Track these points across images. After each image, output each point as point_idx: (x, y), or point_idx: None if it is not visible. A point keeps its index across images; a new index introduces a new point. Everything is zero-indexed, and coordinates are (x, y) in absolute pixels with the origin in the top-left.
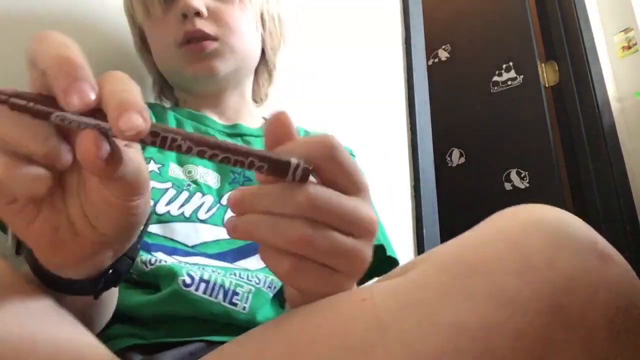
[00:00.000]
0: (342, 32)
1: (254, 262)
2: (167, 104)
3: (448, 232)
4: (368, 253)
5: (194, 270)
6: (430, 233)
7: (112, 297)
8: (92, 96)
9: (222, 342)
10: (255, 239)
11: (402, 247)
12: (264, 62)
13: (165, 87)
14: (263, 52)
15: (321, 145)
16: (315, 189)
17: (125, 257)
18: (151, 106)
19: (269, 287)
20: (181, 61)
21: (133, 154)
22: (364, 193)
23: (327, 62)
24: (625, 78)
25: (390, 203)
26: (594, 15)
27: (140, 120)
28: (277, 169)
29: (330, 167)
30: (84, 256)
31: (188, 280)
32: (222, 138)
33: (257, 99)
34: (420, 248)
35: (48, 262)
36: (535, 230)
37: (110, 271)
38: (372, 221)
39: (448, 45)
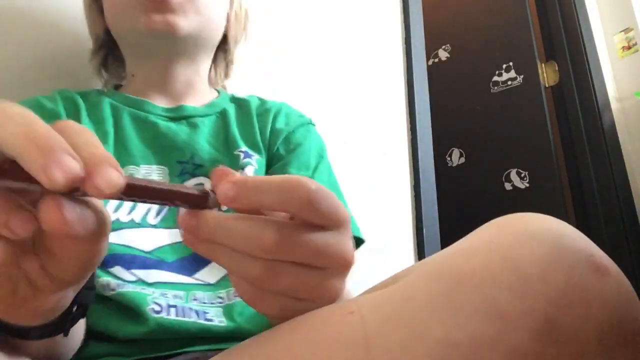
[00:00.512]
0: (342, 32)
1: (215, 271)
2: (104, 83)
3: (448, 232)
4: (338, 285)
5: (157, 298)
6: (430, 233)
7: (80, 326)
8: (78, 168)
9: (202, 352)
10: (216, 262)
11: (402, 247)
12: (223, 49)
13: (111, 57)
14: (225, 37)
15: (296, 194)
16: (282, 231)
17: (85, 290)
18: (86, 94)
19: (236, 295)
20: (138, 12)
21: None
22: (343, 225)
23: (327, 62)
24: (625, 78)
25: (390, 203)
26: (594, 15)
27: (117, 175)
28: (198, 204)
29: (306, 214)
30: (47, 307)
31: (157, 308)
32: (164, 123)
33: (212, 81)
34: (420, 248)
35: (12, 319)
36: (529, 242)
37: (75, 307)
38: (344, 256)
39: (448, 45)
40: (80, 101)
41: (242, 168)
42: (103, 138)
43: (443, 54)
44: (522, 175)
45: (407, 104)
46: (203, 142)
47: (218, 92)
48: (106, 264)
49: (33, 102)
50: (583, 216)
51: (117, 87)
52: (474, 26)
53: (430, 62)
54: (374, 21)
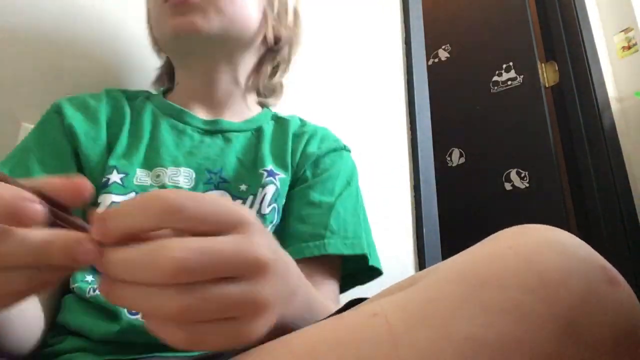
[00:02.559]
0: (342, 32)
1: None
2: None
3: (448, 232)
4: (265, 293)
5: None
6: (430, 233)
7: (33, 316)
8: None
9: (176, 356)
10: (134, 309)
11: (402, 247)
12: (269, 49)
13: (166, 70)
14: (265, 37)
15: (156, 206)
16: (180, 249)
17: None
18: (134, 97)
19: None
20: (165, 17)
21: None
22: (243, 227)
23: (327, 62)
24: (625, 78)
25: (390, 203)
26: (594, 15)
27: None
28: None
29: (177, 224)
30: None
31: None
32: (199, 136)
33: (255, 87)
34: (420, 248)
35: None
36: (548, 250)
37: None
38: (254, 258)
39: (448, 45)
40: (126, 106)
41: (263, 187)
42: (137, 142)
43: (443, 54)
44: (522, 175)
45: (407, 104)
46: (233, 157)
47: (263, 108)
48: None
49: (80, 100)
50: (583, 216)
51: (168, 90)
52: (474, 26)
53: (430, 62)
54: (374, 21)
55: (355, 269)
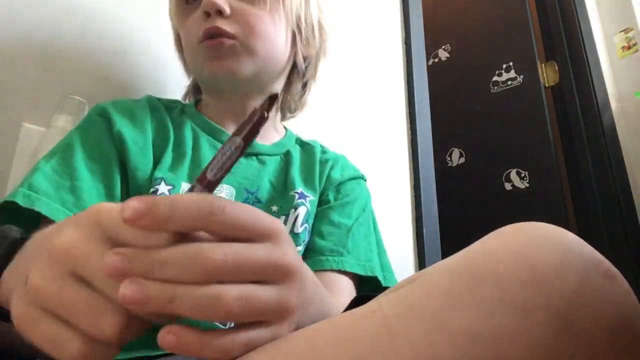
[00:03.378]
0: (342, 32)
1: None
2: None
3: (448, 232)
4: (292, 297)
5: None
6: (430, 233)
7: None
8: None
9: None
10: (172, 313)
11: (402, 247)
12: (297, 71)
13: (195, 89)
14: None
15: (196, 213)
16: (219, 251)
17: None
18: (171, 109)
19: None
20: (201, 58)
21: None
22: (272, 236)
23: (327, 62)
24: (625, 78)
25: (390, 203)
26: (594, 15)
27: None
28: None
29: (217, 229)
30: None
31: None
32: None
33: (287, 109)
34: (420, 248)
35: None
36: (543, 245)
37: None
38: (286, 264)
39: (448, 45)
40: (167, 117)
41: (295, 208)
42: (181, 158)
43: (443, 54)
44: (522, 175)
45: (407, 104)
46: (266, 179)
47: (285, 129)
48: None
49: (125, 106)
50: (583, 216)
51: (197, 102)
52: (474, 26)
53: (430, 62)
54: (374, 21)
55: (372, 290)
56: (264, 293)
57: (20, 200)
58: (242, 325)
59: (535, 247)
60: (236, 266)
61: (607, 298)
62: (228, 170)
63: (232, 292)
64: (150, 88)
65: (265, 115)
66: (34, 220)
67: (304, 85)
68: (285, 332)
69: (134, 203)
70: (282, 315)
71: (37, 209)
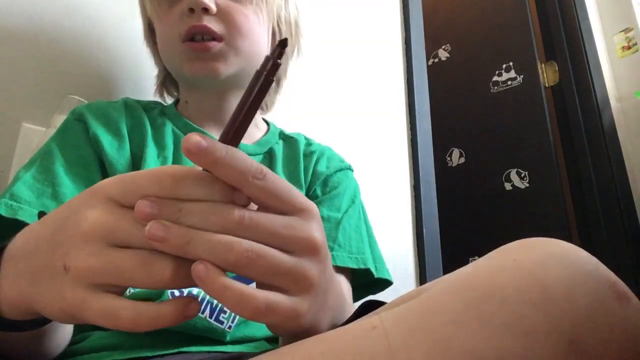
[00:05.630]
0: (341, 32)
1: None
2: (169, 100)
3: (448, 232)
4: (313, 270)
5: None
6: (430, 233)
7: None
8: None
9: (201, 352)
10: (189, 255)
11: (402, 247)
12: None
13: (168, 81)
14: None
15: (244, 168)
16: (243, 210)
17: None
18: (149, 109)
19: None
20: (183, 57)
21: None
22: (303, 213)
23: (326, 63)
24: (625, 78)
25: (390, 203)
26: (594, 15)
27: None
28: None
29: (254, 192)
30: None
31: (177, 293)
32: None
33: (263, 105)
34: (420, 248)
35: (15, 314)
36: (553, 264)
37: None
38: (308, 238)
39: (448, 45)
40: (144, 117)
41: None
42: (163, 163)
43: (443, 54)
44: (522, 175)
45: (407, 104)
46: None
47: (268, 125)
48: None
49: (100, 108)
50: (583, 216)
51: (177, 101)
52: (474, 26)
53: (430, 62)
54: (374, 21)
55: (365, 281)
56: (278, 256)
57: (3, 211)
58: (263, 286)
59: (546, 266)
60: (254, 225)
61: (619, 322)
62: (246, 127)
63: (244, 243)
64: (151, 88)
65: (279, 62)
66: (19, 229)
67: (277, 84)
68: (305, 307)
69: (198, 137)
70: (298, 284)
71: (20, 218)
